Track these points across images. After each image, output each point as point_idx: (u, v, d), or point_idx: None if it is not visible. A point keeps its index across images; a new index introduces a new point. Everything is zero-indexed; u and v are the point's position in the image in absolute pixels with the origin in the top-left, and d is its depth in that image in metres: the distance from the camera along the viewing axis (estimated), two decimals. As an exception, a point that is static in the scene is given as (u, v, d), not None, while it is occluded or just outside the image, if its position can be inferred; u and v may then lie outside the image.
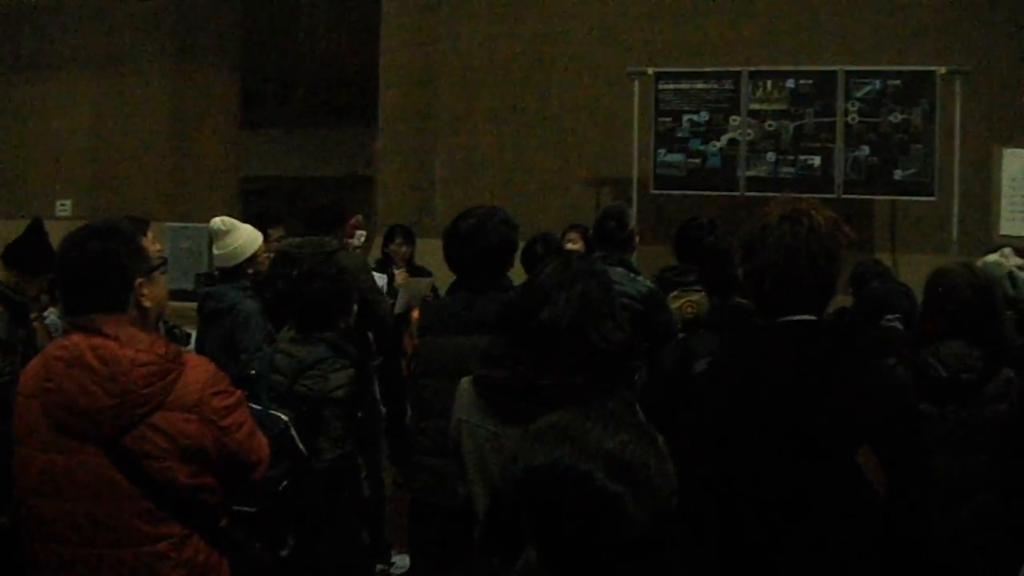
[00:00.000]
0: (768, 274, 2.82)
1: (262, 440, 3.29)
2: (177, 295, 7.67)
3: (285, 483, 3.92)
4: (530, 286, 3.33)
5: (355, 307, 4.65)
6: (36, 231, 6.24)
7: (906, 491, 2.72)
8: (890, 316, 5.32)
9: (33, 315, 6.05)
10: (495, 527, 1.81)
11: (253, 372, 4.31)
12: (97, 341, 3.01)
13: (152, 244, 6.26)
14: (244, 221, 6.52)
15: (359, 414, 4.50)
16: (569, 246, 7.57)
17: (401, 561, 6.58)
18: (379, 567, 6.50)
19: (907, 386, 3.20)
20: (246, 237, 6.22)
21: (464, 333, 4.30)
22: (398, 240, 9.31)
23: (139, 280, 3.12)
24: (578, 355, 3.14)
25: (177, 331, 6.91)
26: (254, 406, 3.81)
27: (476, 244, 4.46)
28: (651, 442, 1.75)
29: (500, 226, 4.54)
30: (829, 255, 2.82)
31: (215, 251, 6.25)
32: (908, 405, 2.91)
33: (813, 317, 2.83)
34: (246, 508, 3.67)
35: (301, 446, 4.02)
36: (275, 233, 7.11)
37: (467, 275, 4.55)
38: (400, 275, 8.75)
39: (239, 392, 3.25)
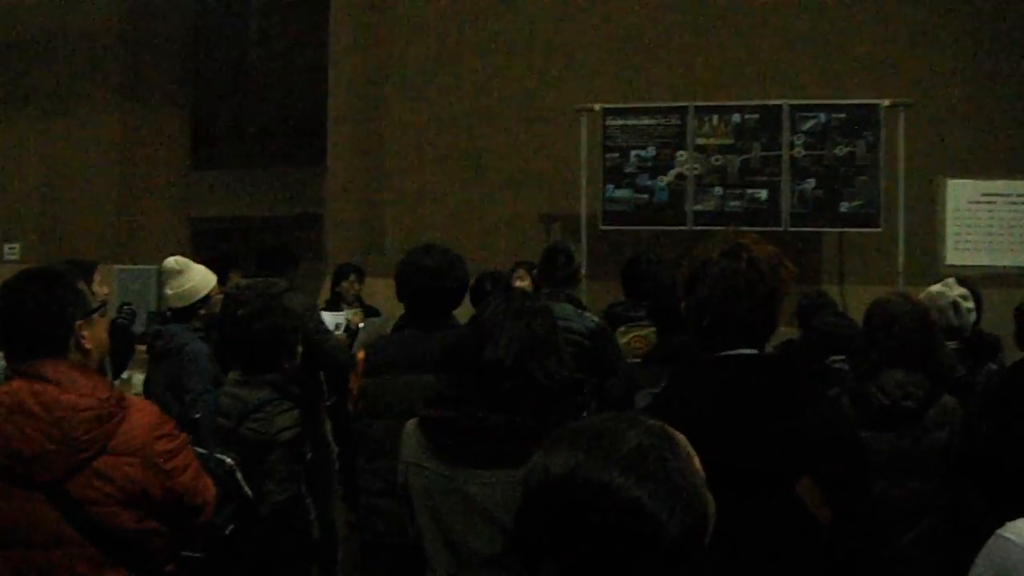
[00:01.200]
0: (708, 309, 2.84)
1: (208, 482, 3.28)
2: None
3: (232, 527, 3.90)
4: (473, 325, 3.33)
5: (300, 348, 4.62)
6: None
7: (851, 521, 2.74)
8: (836, 357, 5.38)
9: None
10: (520, 542, 1.74)
11: (198, 416, 4.28)
12: (38, 387, 2.99)
13: (100, 287, 6.28)
14: (198, 263, 6.49)
15: (308, 455, 4.48)
16: (518, 283, 7.58)
17: (356, 602, 6.53)
18: (333, 608, 6.46)
19: (848, 416, 3.23)
20: (200, 277, 6.16)
21: (411, 372, 4.29)
22: (351, 278, 9.31)
23: (79, 323, 3.11)
24: (523, 393, 3.15)
25: (126, 309, 6.90)
26: (199, 450, 3.79)
27: (442, 281, 4.49)
28: (671, 441, 1.71)
29: (460, 265, 4.59)
30: (769, 290, 2.84)
31: (167, 291, 6.20)
32: (850, 435, 2.93)
33: (754, 351, 2.85)
34: (194, 554, 3.66)
35: (247, 489, 4.00)
36: (235, 276, 7.11)
37: (422, 312, 4.56)
38: (355, 315, 8.74)
39: (184, 435, 3.24)
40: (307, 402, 4.66)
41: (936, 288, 5.48)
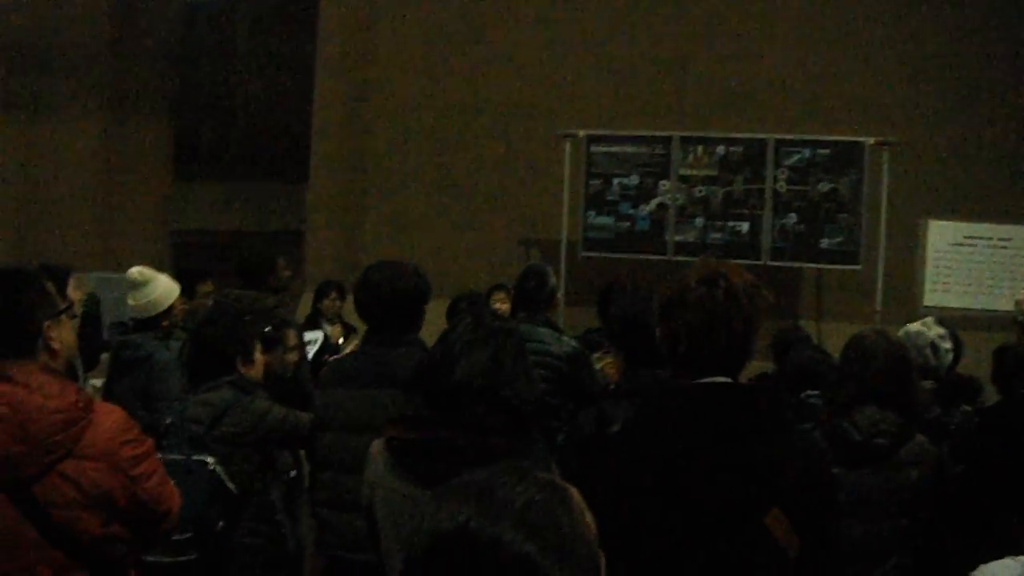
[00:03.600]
0: (684, 336, 2.82)
1: (173, 490, 3.25)
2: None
3: (222, 524, 3.93)
4: (442, 345, 3.29)
5: (258, 355, 4.63)
6: None
7: (818, 555, 2.73)
8: (811, 392, 5.37)
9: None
10: None
11: (168, 422, 4.28)
12: (5, 388, 2.96)
13: (73, 292, 6.26)
14: (174, 274, 6.47)
15: (293, 472, 4.53)
16: (497, 306, 7.57)
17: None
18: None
19: (822, 450, 3.22)
20: (163, 289, 6.17)
21: (364, 387, 4.30)
22: (332, 295, 9.26)
23: (47, 323, 3.09)
24: (492, 414, 3.10)
25: (90, 297, 6.85)
26: (176, 456, 3.81)
27: (386, 292, 4.45)
28: (562, 497, 1.67)
29: (411, 276, 4.54)
30: (746, 318, 2.82)
31: (131, 301, 6.20)
32: (822, 470, 2.92)
33: (728, 379, 2.84)
34: (188, 556, 3.77)
35: (232, 486, 4.02)
36: (203, 288, 7.07)
37: (376, 325, 4.54)
38: (335, 330, 8.70)
39: (150, 441, 3.22)
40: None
41: (915, 327, 5.48)
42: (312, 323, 8.90)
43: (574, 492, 1.71)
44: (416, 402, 3.24)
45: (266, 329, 5.28)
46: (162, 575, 3.82)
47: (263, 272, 6.44)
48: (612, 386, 5.24)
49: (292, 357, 5.46)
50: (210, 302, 6.69)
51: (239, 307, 5.94)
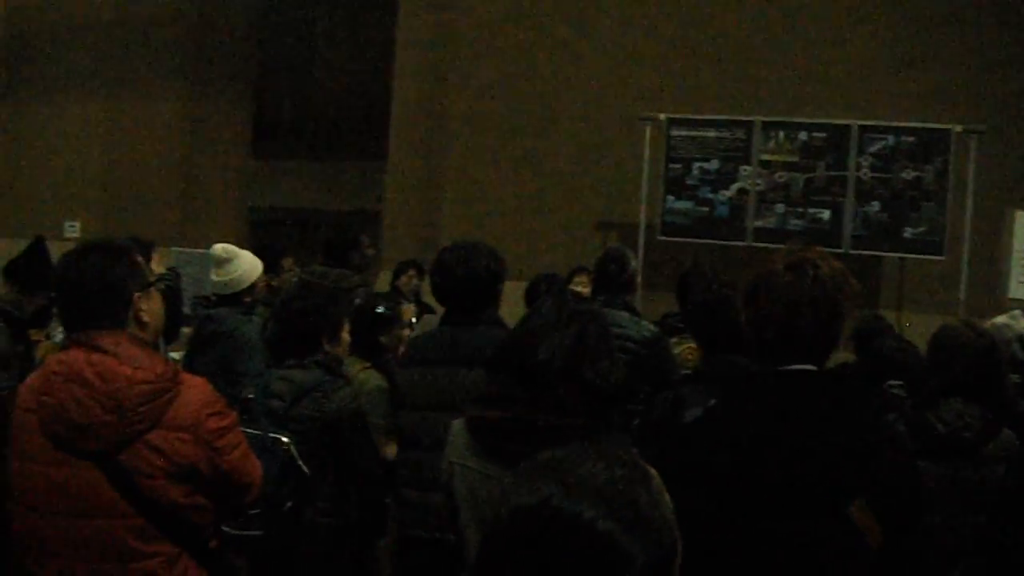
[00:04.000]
0: (770, 322, 2.79)
1: (256, 463, 3.29)
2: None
3: (290, 504, 3.95)
4: (526, 325, 3.28)
5: (345, 335, 4.63)
6: (37, 249, 6.28)
7: (902, 548, 2.69)
8: (894, 382, 5.30)
9: (41, 333, 6.06)
10: (484, 574, 1.72)
11: (250, 396, 4.31)
12: (96, 357, 3.00)
13: (156, 266, 6.32)
14: (252, 250, 6.52)
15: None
16: (578, 288, 7.55)
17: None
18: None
19: (907, 442, 3.17)
20: (247, 265, 6.23)
21: (444, 366, 4.32)
22: (410, 272, 9.29)
23: (137, 295, 3.13)
24: (574, 395, 3.08)
25: (170, 272, 6.89)
26: (252, 431, 3.83)
27: (460, 273, 4.45)
28: (643, 477, 1.69)
29: (485, 256, 4.53)
30: (833, 306, 2.79)
31: (214, 277, 6.26)
32: (908, 461, 2.88)
33: (813, 367, 2.80)
34: (252, 532, 3.77)
35: (304, 467, 4.04)
36: (286, 263, 7.14)
37: (452, 306, 4.55)
38: (408, 309, 8.71)
39: (234, 414, 3.26)
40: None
41: (1001, 319, 5.40)
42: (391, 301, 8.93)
43: (654, 473, 1.72)
44: (498, 381, 3.24)
45: (381, 309, 5.33)
46: (226, 545, 3.86)
47: (347, 249, 6.48)
48: (691, 371, 5.21)
49: (407, 333, 5.48)
50: (295, 279, 6.75)
51: (324, 284, 5.99)
